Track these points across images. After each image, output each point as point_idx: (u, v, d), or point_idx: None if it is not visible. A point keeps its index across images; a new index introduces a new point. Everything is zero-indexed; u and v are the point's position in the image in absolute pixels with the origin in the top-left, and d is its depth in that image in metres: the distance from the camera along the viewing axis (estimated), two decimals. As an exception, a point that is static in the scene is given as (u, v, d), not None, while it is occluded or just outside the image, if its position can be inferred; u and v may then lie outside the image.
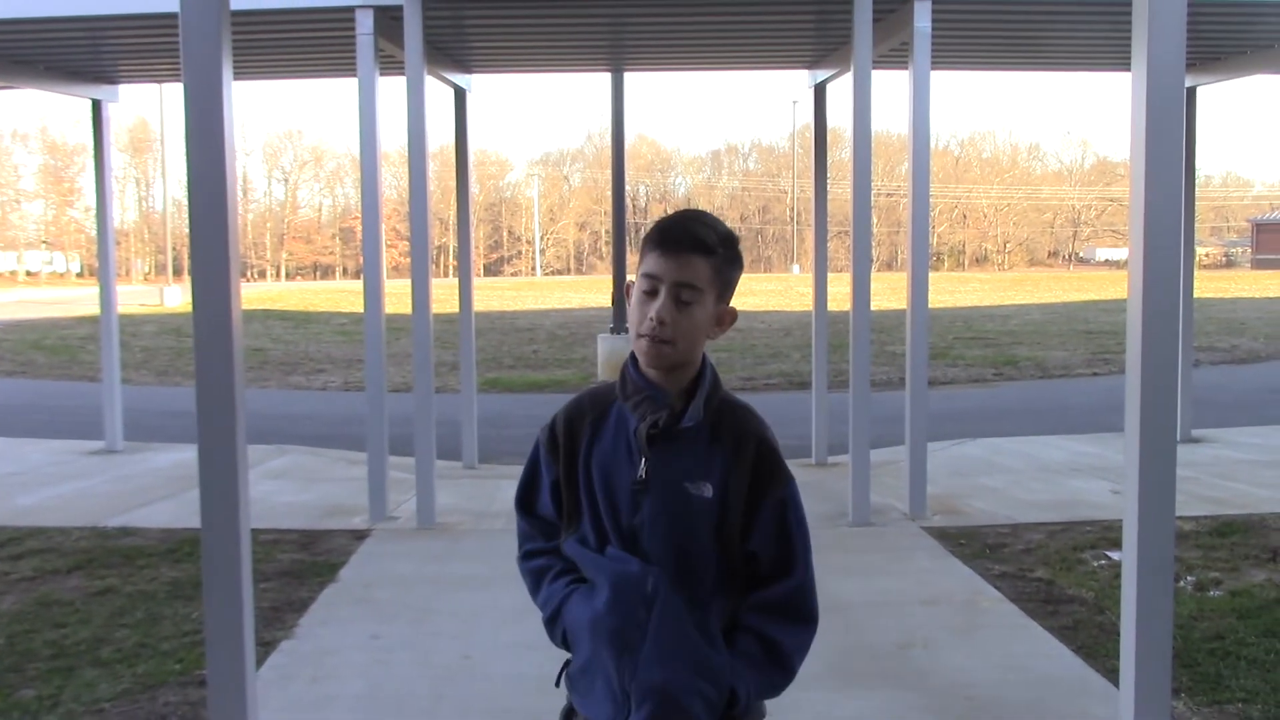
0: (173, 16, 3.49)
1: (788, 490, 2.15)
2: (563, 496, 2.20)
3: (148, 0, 8.15)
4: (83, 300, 38.43)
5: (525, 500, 2.30)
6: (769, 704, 2.22)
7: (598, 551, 2.14)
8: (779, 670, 2.15)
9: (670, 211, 2.20)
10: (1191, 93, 10.86)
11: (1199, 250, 56.01)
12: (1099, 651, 5.22)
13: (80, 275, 74.25)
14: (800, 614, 2.16)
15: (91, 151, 11.48)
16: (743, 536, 2.12)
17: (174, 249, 56.62)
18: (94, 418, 11.62)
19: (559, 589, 2.19)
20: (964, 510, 8.29)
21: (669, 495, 2.09)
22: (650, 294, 2.07)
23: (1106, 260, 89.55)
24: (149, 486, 9.43)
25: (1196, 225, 11.83)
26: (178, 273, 52.60)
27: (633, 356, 2.15)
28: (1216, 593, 6.15)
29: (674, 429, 2.10)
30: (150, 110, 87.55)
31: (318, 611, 6.02)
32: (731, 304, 2.18)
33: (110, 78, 11.19)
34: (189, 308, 3.64)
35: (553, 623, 2.20)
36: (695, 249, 2.07)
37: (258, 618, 4.93)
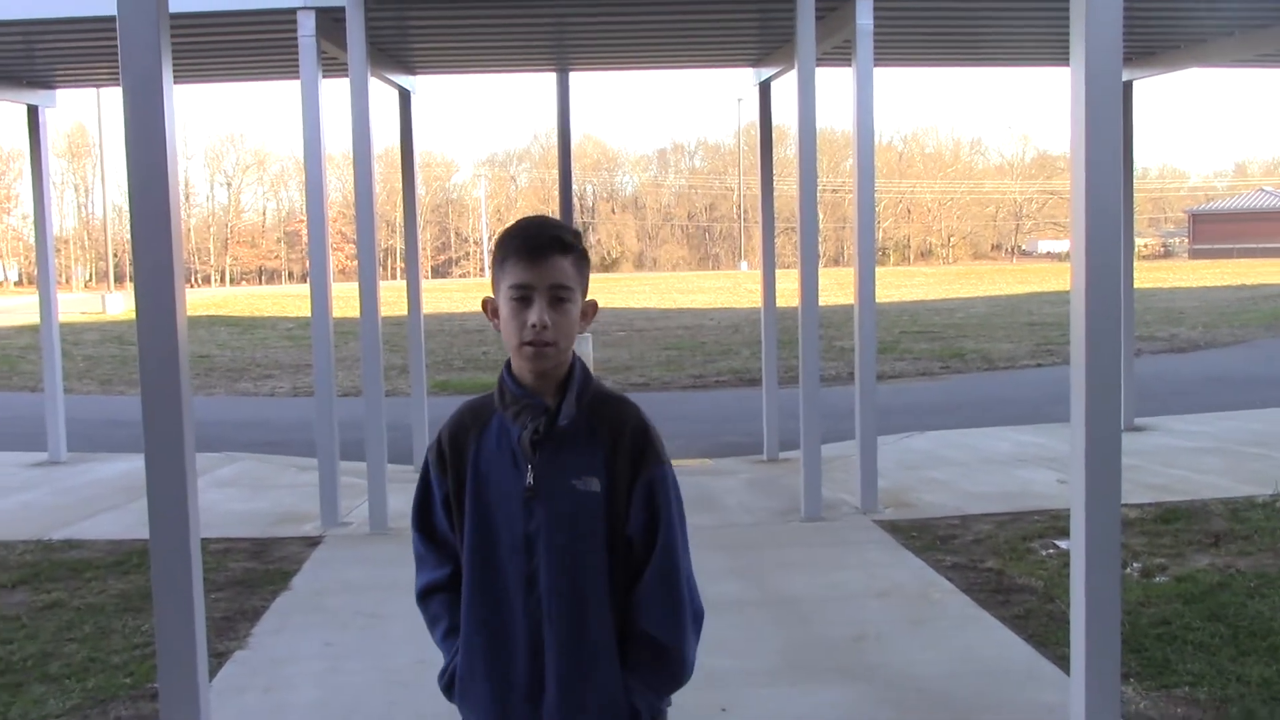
0: (111, 20, 3.45)
1: (659, 470, 2.19)
2: (452, 511, 2.25)
3: (85, 3, 8.01)
4: (22, 309, 37.74)
5: (422, 521, 2.34)
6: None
7: (479, 569, 2.21)
8: (671, 674, 2.19)
9: (520, 220, 2.25)
10: (1128, 86, 11.05)
11: (1138, 241, 56.94)
12: (1049, 639, 5.29)
13: (19, 283, 72.90)
14: (674, 599, 2.17)
15: (28, 157, 11.28)
16: (624, 523, 2.17)
17: (115, 255, 55.82)
18: (36, 429, 11.41)
19: (448, 647, 2.35)
20: (914, 503, 8.37)
21: (560, 496, 2.14)
22: (523, 302, 2.12)
23: (1049, 252, 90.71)
24: (95, 498, 9.27)
25: (1135, 216, 12.02)
26: (120, 279, 51.82)
27: (507, 366, 2.21)
28: (1162, 579, 6.26)
29: (554, 430, 2.15)
30: (88, 115, 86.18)
31: (270, 620, 5.96)
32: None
33: (47, 83, 11.00)
34: (132, 315, 3.59)
35: (447, 679, 2.40)
36: (558, 250, 2.14)
37: (210, 628, 4.87)
